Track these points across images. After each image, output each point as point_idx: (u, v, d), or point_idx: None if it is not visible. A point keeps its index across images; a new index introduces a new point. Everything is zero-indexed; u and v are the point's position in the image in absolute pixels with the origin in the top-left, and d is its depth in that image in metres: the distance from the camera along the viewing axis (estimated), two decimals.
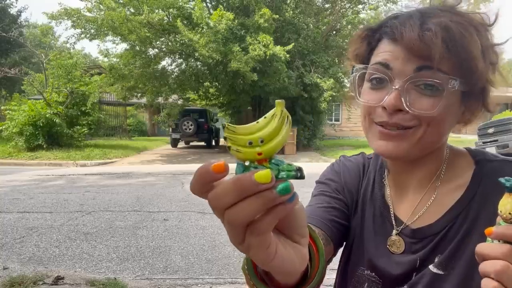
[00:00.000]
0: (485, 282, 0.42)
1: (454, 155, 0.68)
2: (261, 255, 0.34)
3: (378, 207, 0.73)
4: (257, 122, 0.34)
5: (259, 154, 0.33)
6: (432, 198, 0.66)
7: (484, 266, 0.43)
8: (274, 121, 0.34)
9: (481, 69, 0.57)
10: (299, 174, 0.33)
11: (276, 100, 0.34)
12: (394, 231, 0.68)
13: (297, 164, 0.34)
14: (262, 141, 0.33)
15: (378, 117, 0.61)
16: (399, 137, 0.60)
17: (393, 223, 0.69)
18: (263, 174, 0.31)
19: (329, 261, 0.70)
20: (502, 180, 0.43)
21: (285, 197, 0.31)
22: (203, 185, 0.33)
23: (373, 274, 0.70)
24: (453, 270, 0.61)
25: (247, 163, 0.35)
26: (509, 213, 0.42)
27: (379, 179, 0.75)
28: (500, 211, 0.43)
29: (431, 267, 0.63)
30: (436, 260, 0.63)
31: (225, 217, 0.33)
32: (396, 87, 0.57)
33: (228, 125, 0.35)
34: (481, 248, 0.44)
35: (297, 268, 0.38)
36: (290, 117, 0.35)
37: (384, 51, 0.60)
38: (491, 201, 0.59)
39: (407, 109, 0.57)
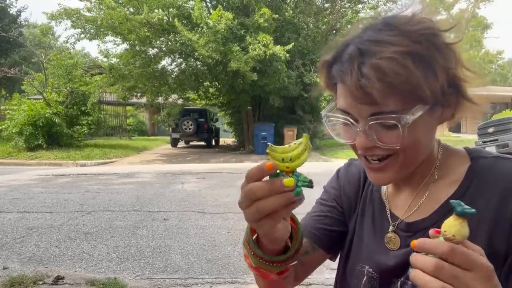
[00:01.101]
0: None
1: (449, 154, 0.71)
2: (268, 231, 0.54)
3: (376, 206, 0.77)
4: (289, 146, 0.53)
5: (287, 167, 0.51)
6: (426, 194, 0.69)
7: (413, 277, 0.46)
8: (300, 147, 0.52)
9: (432, 86, 0.58)
10: (310, 185, 0.51)
11: (304, 134, 0.54)
12: (391, 228, 0.71)
13: (304, 171, 0.51)
14: (290, 159, 0.51)
15: (360, 151, 0.65)
16: (381, 169, 0.65)
17: (389, 220, 0.73)
18: (289, 181, 0.49)
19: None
20: (454, 203, 0.46)
21: (297, 198, 0.50)
22: (256, 178, 0.50)
23: (371, 270, 0.73)
24: None
25: (278, 171, 0.51)
26: (453, 235, 0.45)
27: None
28: (445, 231, 0.46)
29: None
30: None
31: (255, 205, 0.50)
32: (359, 129, 0.62)
33: (271, 145, 0.52)
34: (413, 258, 0.47)
35: (284, 236, 0.57)
36: (311, 147, 0.53)
37: (341, 95, 0.64)
38: (483, 195, 0.62)
39: (377, 144, 0.61)
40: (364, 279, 0.73)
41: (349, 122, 0.63)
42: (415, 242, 0.47)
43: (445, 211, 0.65)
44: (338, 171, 0.89)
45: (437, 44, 0.60)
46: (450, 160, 0.69)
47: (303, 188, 0.50)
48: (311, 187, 0.51)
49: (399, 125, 0.58)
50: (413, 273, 0.46)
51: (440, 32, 0.61)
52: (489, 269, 0.45)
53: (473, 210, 0.45)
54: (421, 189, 0.70)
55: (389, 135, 0.60)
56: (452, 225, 0.46)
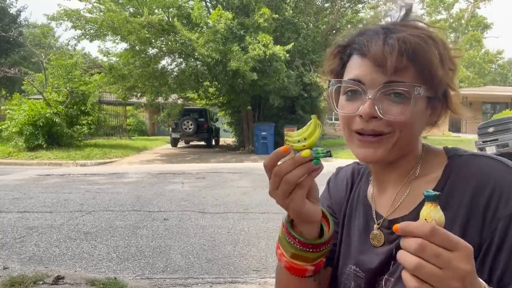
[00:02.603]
0: (404, 276, 0.48)
1: (429, 153, 0.74)
2: (298, 203, 0.62)
3: (362, 207, 0.80)
4: (301, 130, 0.61)
5: (303, 146, 0.59)
6: (407, 192, 0.72)
7: (398, 257, 0.49)
8: (311, 126, 0.61)
9: (441, 75, 0.64)
10: (329, 153, 0.61)
11: (312, 115, 0.63)
12: (375, 226, 0.74)
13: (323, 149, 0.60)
14: (305, 139, 0.60)
15: (356, 125, 0.68)
16: (376, 143, 0.67)
17: (374, 218, 0.76)
18: (306, 153, 0.58)
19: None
20: (424, 191, 0.50)
21: (317, 166, 0.59)
22: (274, 161, 0.60)
23: (358, 269, 0.75)
24: None
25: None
26: (425, 219, 0.49)
27: (366, 181, 0.83)
28: (425, 219, 0.50)
29: None
30: None
31: (284, 179, 0.59)
32: (369, 97, 0.65)
33: (286, 132, 0.62)
34: (401, 241, 0.50)
35: (315, 218, 0.66)
36: (320, 124, 0.61)
37: (355, 67, 0.68)
38: (457, 191, 0.65)
39: (381, 115, 0.64)
40: (352, 280, 0.75)
41: (359, 89, 0.66)
42: (397, 226, 0.49)
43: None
44: (328, 181, 0.94)
45: (446, 46, 0.67)
46: (431, 159, 0.73)
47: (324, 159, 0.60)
48: (330, 155, 0.61)
49: (411, 96, 0.63)
50: (399, 253, 0.49)
51: (445, 42, 0.68)
52: (469, 249, 0.47)
53: (437, 192, 0.50)
54: (403, 187, 0.73)
55: (396, 108, 0.64)
56: (429, 211, 0.49)
